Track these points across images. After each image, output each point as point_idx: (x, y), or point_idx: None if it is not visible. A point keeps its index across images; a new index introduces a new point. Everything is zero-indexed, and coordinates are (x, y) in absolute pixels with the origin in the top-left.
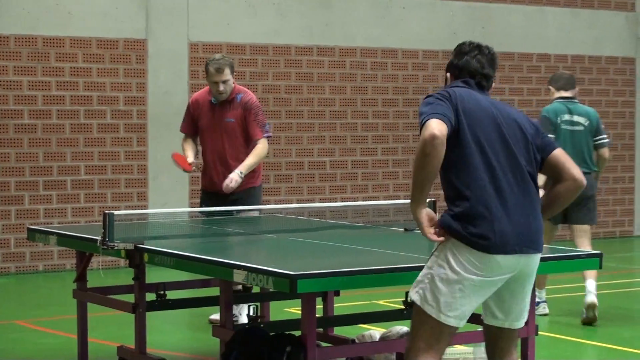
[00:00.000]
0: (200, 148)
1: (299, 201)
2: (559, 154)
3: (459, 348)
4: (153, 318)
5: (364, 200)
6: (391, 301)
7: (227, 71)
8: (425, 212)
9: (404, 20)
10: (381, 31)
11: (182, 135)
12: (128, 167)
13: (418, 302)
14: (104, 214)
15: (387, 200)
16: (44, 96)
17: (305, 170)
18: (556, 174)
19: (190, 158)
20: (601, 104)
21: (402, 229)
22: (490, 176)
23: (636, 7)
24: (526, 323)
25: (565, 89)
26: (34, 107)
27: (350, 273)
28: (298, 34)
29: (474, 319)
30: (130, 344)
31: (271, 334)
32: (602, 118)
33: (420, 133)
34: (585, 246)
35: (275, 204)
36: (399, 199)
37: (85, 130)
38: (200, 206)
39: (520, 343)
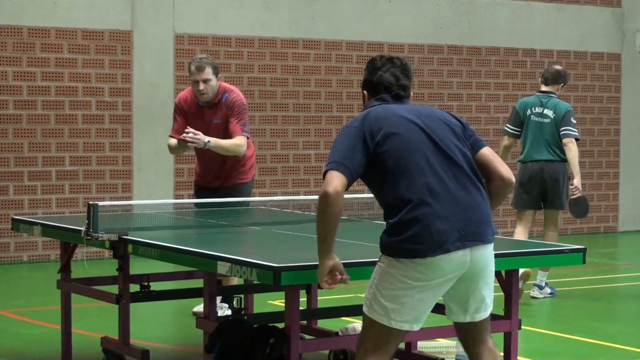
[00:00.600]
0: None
1: (283, 194)
2: (486, 152)
3: (442, 342)
4: (137, 309)
5: (349, 194)
6: None
7: (209, 70)
8: (330, 265)
9: (390, 14)
10: (367, 25)
11: (168, 126)
12: (113, 158)
13: (366, 312)
14: (89, 205)
15: (371, 193)
16: (29, 87)
17: (290, 163)
18: (485, 173)
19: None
20: (586, 99)
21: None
22: (420, 180)
23: (622, 2)
24: (509, 317)
25: (546, 84)
26: (19, 98)
27: None
28: (284, 27)
29: None
30: (114, 335)
31: (255, 326)
32: (587, 114)
33: (324, 171)
34: (550, 232)
35: (260, 196)
36: None
37: (71, 121)
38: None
39: (503, 337)
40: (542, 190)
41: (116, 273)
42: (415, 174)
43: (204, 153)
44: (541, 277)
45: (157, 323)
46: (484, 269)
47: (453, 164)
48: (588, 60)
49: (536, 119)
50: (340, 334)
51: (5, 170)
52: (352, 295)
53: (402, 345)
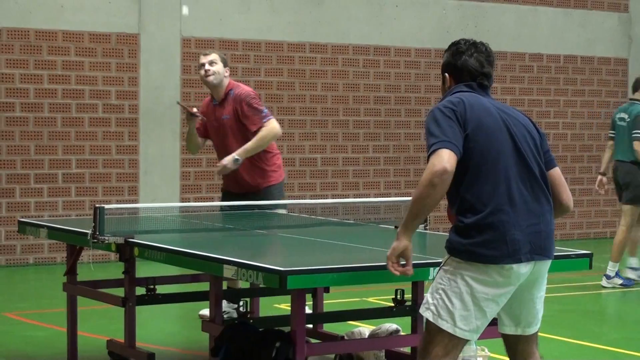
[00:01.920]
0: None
1: (289, 197)
2: (556, 173)
3: None
4: (143, 312)
5: (354, 198)
6: (381, 299)
7: (215, 55)
8: (405, 245)
9: (396, 18)
10: (374, 29)
11: (175, 129)
12: (119, 161)
13: (431, 319)
14: (95, 208)
15: (378, 197)
16: (35, 89)
17: (297, 166)
18: (553, 193)
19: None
20: (593, 104)
21: (393, 227)
22: (502, 185)
23: (629, 7)
24: None
25: (633, 92)
26: (26, 100)
27: (340, 270)
28: (290, 31)
29: None
30: (120, 337)
31: (260, 329)
32: (594, 118)
33: (428, 155)
34: (620, 226)
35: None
36: (389, 196)
37: (77, 124)
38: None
39: None
40: (618, 187)
41: (122, 276)
42: (498, 179)
43: (218, 154)
44: (611, 267)
45: (163, 326)
46: (539, 283)
47: (531, 174)
48: (595, 65)
49: (619, 123)
50: (346, 338)
51: (11, 173)
52: (358, 299)
53: (408, 349)
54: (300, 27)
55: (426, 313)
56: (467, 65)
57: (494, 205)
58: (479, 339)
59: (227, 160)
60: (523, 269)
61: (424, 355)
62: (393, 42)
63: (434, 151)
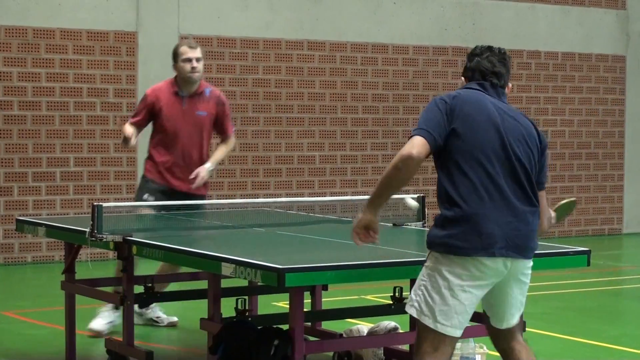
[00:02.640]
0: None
1: (288, 195)
2: (541, 198)
3: None
4: None
5: (353, 195)
6: (379, 296)
7: (200, 50)
8: (369, 219)
9: (394, 15)
10: (372, 26)
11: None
12: (117, 159)
13: (415, 315)
14: (93, 206)
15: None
16: (33, 87)
17: (295, 164)
18: None
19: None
20: (591, 101)
21: (391, 224)
22: (482, 181)
23: (627, 4)
24: None
25: None
26: (24, 99)
27: (339, 267)
28: (288, 28)
29: None
30: (118, 336)
31: (259, 327)
32: (592, 116)
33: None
34: None
35: (264, 197)
36: None
37: (75, 122)
38: (140, 198)
39: None
40: None
41: (120, 274)
42: (479, 175)
43: (174, 148)
44: None
45: (161, 324)
46: (517, 282)
47: (515, 175)
48: (593, 62)
49: None
50: (344, 335)
51: (9, 171)
52: (357, 297)
53: (406, 347)
54: (299, 24)
55: (410, 310)
56: (479, 65)
57: (472, 199)
58: (476, 336)
59: (204, 172)
60: (498, 265)
61: (416, 352)
62: (391, 39)
63: (410, 137)
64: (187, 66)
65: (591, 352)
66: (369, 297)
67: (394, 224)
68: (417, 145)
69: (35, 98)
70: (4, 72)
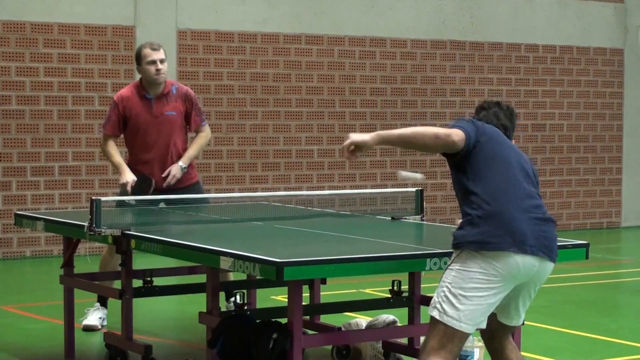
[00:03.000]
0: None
1: (286, 189)
2: None
3: None
4: (140, 304)
5: (351, 189)
6: (378, 290)
7: (164, 51)
8: (369, 146)
9: (392, 9)
10: (370, 20)
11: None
12: None
13: (437, 317)
14: (92, 200)
15: (374, 189)
16: (32, 82)
17: (293, 158)
18: None
19: (131, 175)
20: (589, 95)
21: (390, 218)
22: (509, 186)
23: None
24: None
25: None
26: (22, 93)
27: (337, 261)
28: (287, 22)
29: None
30: (117, 330)
31: (258, 321)
32: (590, 109)
33: (450, 125)
34: None
35: (263, 191)
36: (386, 187)
37: (73, 117)
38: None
39: None
40: None
41: (119, 268)
42: (508, 180)
43: (145, 151)
44: None
45: (160, 318)
46: (540, 283)
47: (533, 189)
48: (591, 55)
49: None
50: (343, 329)
51: (8, 166)
52: (355, 290)
53: (404, 340)
54: (296, 18)
55: (433, 312)
56: (486, 118)
57: (502, 199)
58: (475, 331)
59: (176, 170)
60: (528, 263)
61: (422, 348)
62: (389, 33)
63: (455, 127)
64: (152, 68)
65: (589, 345)
66: (367, 290)
67: (393, 218)
68: (461, 136)
69: (33, 93)
70: (2, 67)
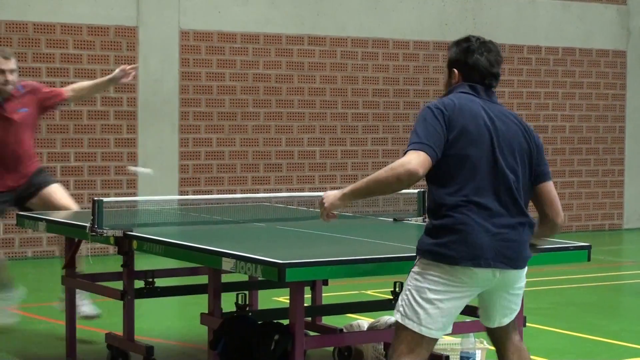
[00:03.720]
0: None
1: (288, 190)
2: (545, 189)
3: (447, 339)
4: (141, 305)
5: None
6: (379, 291)
7: (14, 60)
8: (340, 206)
9: (395, 10)
10: (372, 21)
11: (173, 122)
12: (118, 154)
13: (399, 320)
14: (93, 201)
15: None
16: None
17: (295, 159)
18: (541, 206)
19: None
20: (592, 96)
21: (392, 219)
22: (473, 192)
23: (627, 0)
24: None
25: None
26: None
27: (339, 262)
28: (289, 23)
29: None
30: (119, 331)
31: (259, 322)
32: (592, 111)
33: (406, 150)
34: None
35: (265, 192)
36: None
37: (75, 117)
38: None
39: None
40: None
41: (121, 269)
42: (470, 185)
43: (4, 152)
44: None
45: (162, 319)
46: (509, 290)
47: (506, 185)
48: (593, 57)
49: None
50: (344, 330)
51: None
52: (357, 292)
53: None
54: (299, 19)
55: (396, 315)
56: (478, 64)
57: (462, 209)
58: (477, 332)
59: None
60: (486, 274)
61: (392, 353)
62: (392, 34)
63: (414, 149)
64: (1, 78)
65: (591, 347)
66: (369, 292)
67: (395, 219)
68: (422, 163)
69: None
70: None
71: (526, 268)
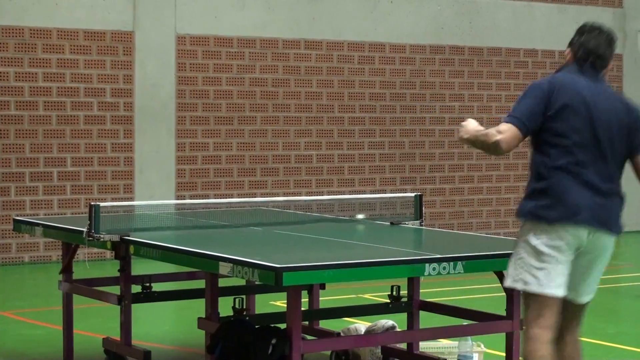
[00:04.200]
0: None
1: (285, 194)
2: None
3: (444, 342)
4: (138, 310)
5: (350, 194)
6: (376, 295)
7: None
8: (461, 137)
9: (391, 14)
10: (369, 25)
11: (170, 127)
12: (114, 159)
13: (520, 287)
14: (90, 206)
15: (373, 194)
16: (30, 87)
17: (292, 163)
18: (638, 177)
19: None
20: None
21: (389, 223)
22: (572, 159)
23: (623, 3)
24: (511, 318)
25: None
26: (21, 99)
27: (336, 266)
28: (285, 28)
29: (458, 313)
30: (116, 335)
31: (257, 326)
32: None
33: (504, 119)
34: None
35: (262, 197)
36: (385, 192)
37: (72, 122)
38: None
39: (504, 337)
40: None
41: (118, 274)
42: (570, 153)
43: None
44: None
45: (159, 324)
46: (598, 256)
47: (603, 156)
48: None
49: None
50: (342, 334)
51: (6, 171)
52: (354, 295)
53: (404, 346)
54: (295, 23)
55: (515, 284)
56: (586, 44)
57: (561, 174)
58: (474, 334)
59: None
60: (581, 233)
61: (525, 324)
62: (388, 38)
63: (508, 122)
64: None
65: (589, 349)
66: (366, 295)
67: (392, 223)
68: (510, 138)
69: (32, 98)
70: (0, 72)
71: (613, 240)
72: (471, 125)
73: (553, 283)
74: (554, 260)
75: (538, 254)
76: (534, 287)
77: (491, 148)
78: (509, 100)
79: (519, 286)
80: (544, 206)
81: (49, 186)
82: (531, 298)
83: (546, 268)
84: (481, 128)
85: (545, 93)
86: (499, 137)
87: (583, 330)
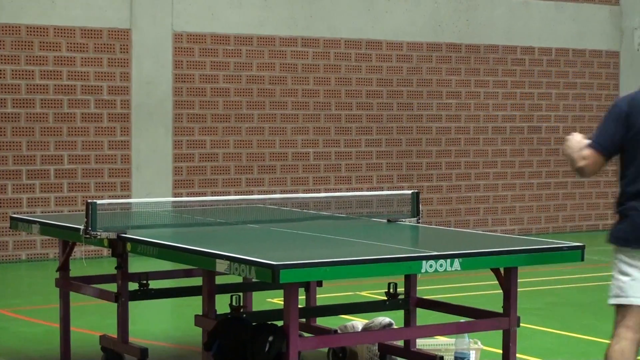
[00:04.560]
0: None
1: (282, 192)
2: None
3: (441, 340)
4: (136, 307)
5: (347, 192)
6: (374, 292)
7: None
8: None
9: (388, 12)
10: (366, 23)
11: (167, 124)
12: (111, 156)
13: (615, 302)
14: (87, 203)
15: (370, 191)
16: (27, 85)
17: (289, 161)
18: None
19: None
20: (585, 97)
21: (386, 220)
22: None
23: (620, 0)
24: (508, 315)
25: None
26: (18, 96)
27: (333, 264)
28: (282, 25)
29: (455, 310)
30: (113, 333)
31: (254, 323)
32: (586, 111)
33: (589, 142)
34: None
35: (259, 194)
36: (382, 190)
37: (69, 120)
38: None
39: (502, 335)
40: None
41: (115, 271)
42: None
43: None
44: None
45: (156, 321)
46: None
47: None
48: (586, 58)
49: None
50: (339, 331)
51: (3, 169)
52: (352, 293)
53: (401, 343)
54: (292, 21)
55: (612, 300)
56: None
57: (634, 199)
58: (471, 332)
59: None
60: None
61: (613, 336)
62: (385, 36)
63: (592, 147)
64: None
65: (585, 347)
66: (363, 293)
67: (389, 220)
68: (593, 164)
69: (29, 96)
70: None
71: None
72: (573, 140)
73: (637, 293)
74: (634, 274)
75: (621, 270)
76: (624, 300)
77: (577, 172)
78: (506, 97)
79: (613, 301)
80: (620, 229)
81: (45, 184)
82: (620, 308)
83: (629, 280)
84: (585, 142)
85: (624, 115)
86: (582, 163)
87: (580, 327)
